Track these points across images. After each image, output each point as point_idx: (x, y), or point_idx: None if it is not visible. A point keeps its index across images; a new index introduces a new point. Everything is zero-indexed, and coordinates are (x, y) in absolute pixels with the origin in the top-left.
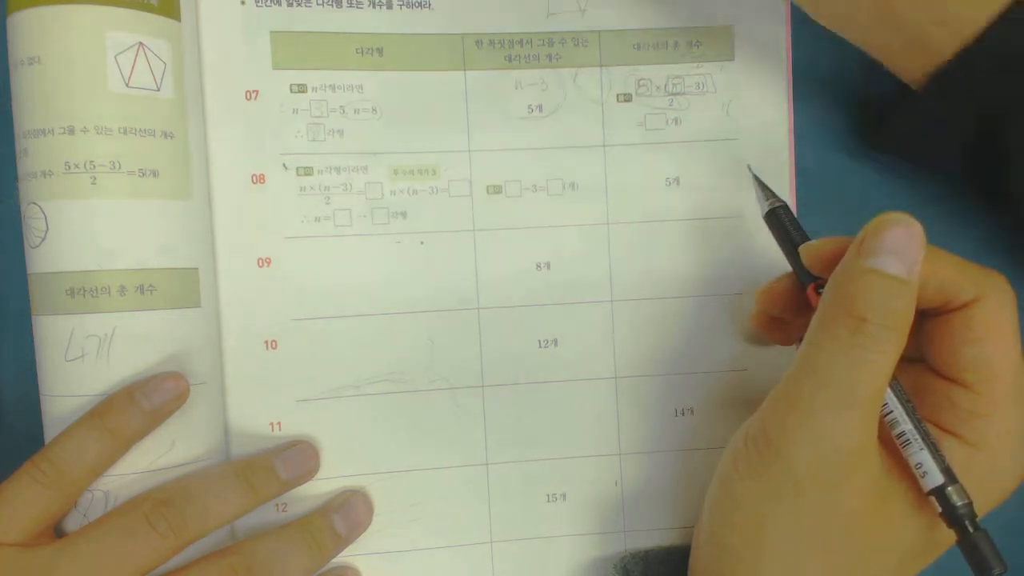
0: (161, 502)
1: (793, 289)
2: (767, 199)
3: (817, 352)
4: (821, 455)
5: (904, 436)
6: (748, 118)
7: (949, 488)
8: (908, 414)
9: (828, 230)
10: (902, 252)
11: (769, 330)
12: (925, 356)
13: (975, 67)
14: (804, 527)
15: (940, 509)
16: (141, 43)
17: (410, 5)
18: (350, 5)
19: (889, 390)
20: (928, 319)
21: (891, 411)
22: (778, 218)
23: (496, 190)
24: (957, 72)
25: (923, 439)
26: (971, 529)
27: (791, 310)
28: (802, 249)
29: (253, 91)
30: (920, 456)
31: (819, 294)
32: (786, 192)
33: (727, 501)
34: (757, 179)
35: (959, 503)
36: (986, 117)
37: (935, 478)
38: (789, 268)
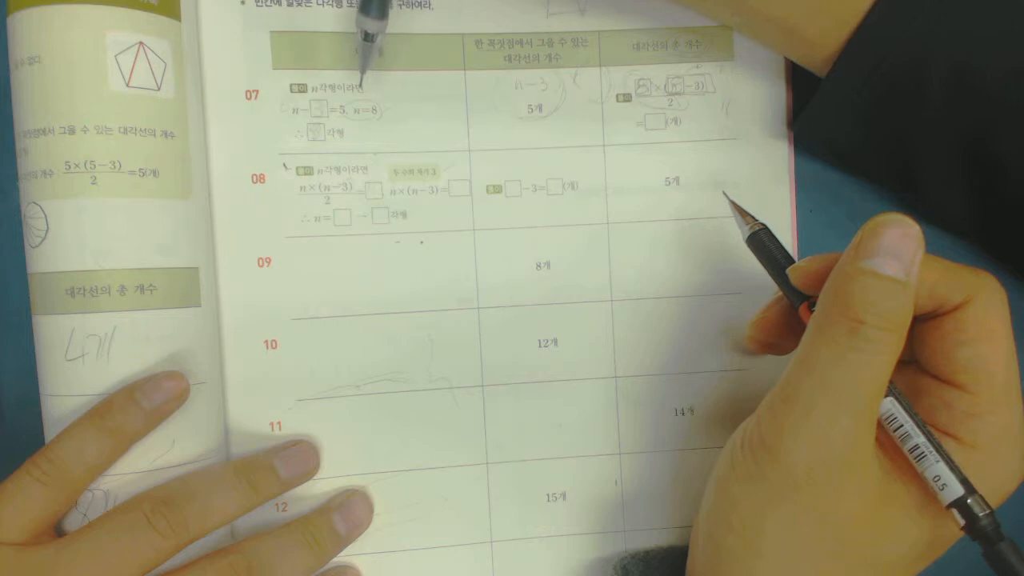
0: (161, 501)
1: (785, 315)
2: (747, 223)
3: (814, 354)
4: (818, 458)
5: (918, 449)
6: (748, 118)
7: (970, 500)
8: (919, 427)
9: (828, 231)
10: (899, 253)
11: (766, 351)
12: (918, 358)
13: (874, 45)
14: (801, 530)
15: (963, 522)
16: (141, 43)
17: (410, 5)
18: (350, 5)
19: (896, 403)
20: (920, 322)
21: (901, 425)
22: (760, 241)
23: (496, 190)
24: (858, 53)
25: (938, 451)
26: (996, 540)
27: (785, 335)
28: (790, 271)
29: (253, 91)
30: (937, 468)
31: (812, 312)
32: (785, 192)
33: (724, 503)
34: (734, 204)
35: (981, 514)
36: (891, 98)
37: (955, 490)
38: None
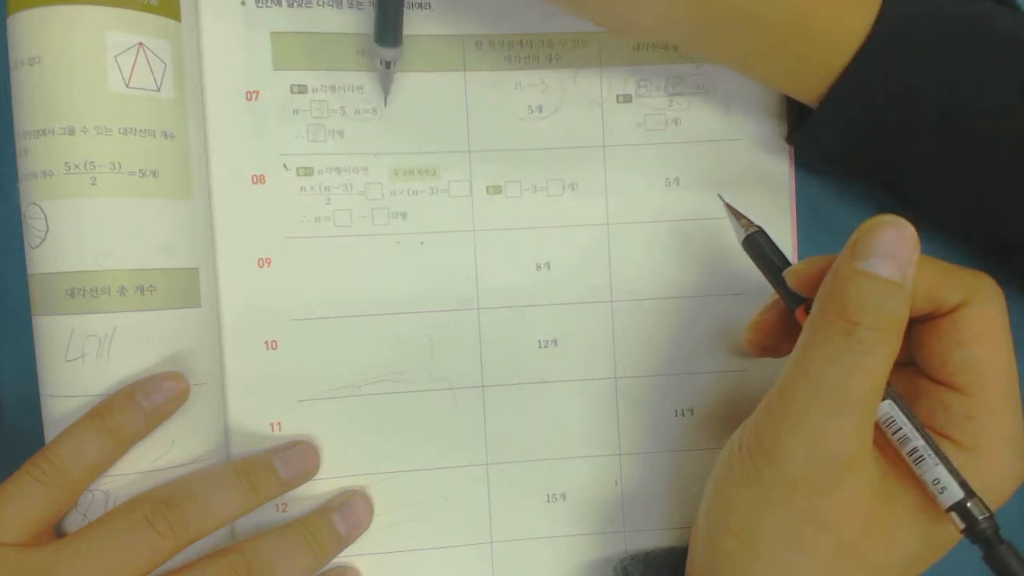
0: (161, 502)
1: (782, 317)
2: (742, 226)
3: (810, 356)
4: (815, 460)
5: (917, 452)
6: (748, 118)
7: (969, 503)
8: (917, 430)
9: (828, 231)
10: (895, 254)
11: (764, 354)
12: (916, 360)
13: (861, 86)
14: (799, 532)
15: (962, 525)
16: (141, 43)
17: (410, 6)
18: (350, 5)
19: (894, 406)
20: (918, 324)
21: (900, 428)
22: (756, 244)
23: (496, 190)
24: (844, 94)
25: (937, 454)
26: (995, 543)
27: (782, 338)
28: (787, 273)
29: (253, 91)
30: (936, 471)
31: (809, 314)
32: (785, 193)
33: (722, 505)
34: (730, 206)
35: (981, 517)
36: (882, 129)
37: (954, 493)
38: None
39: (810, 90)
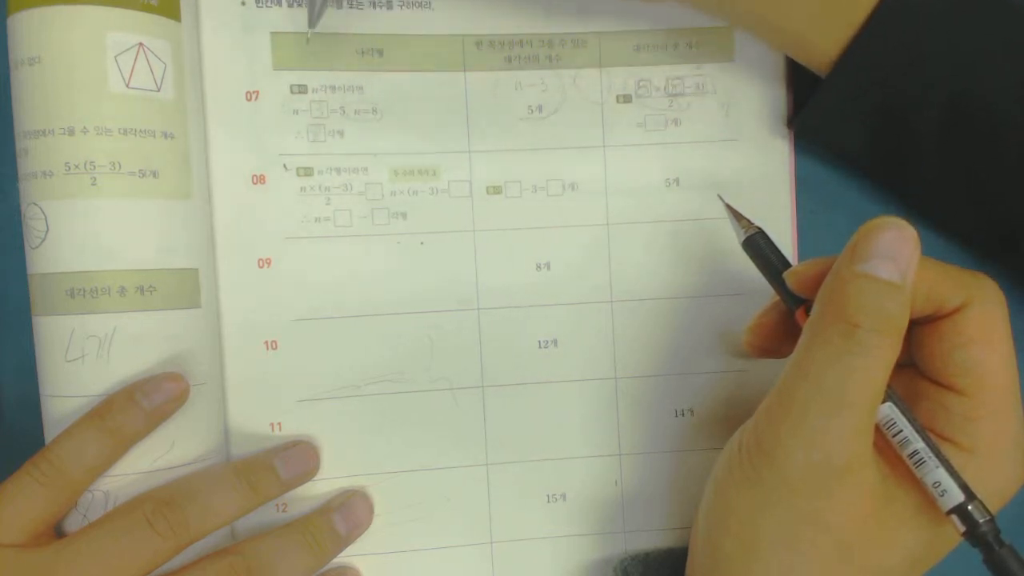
0: (162, 502)
1: (782, 319)
2: (742, 227)
3: (810, 358)
4: (814, 462)
5: (917, 455)
6: (748, 119)
7: (970, 506)
8: (918, 432)
9: (829, 232)
10: (895, 256)
11: (763, 356)
12: (917, 362)
13: (872, 52)
14: (798, 534)
15: (963, 528)
16: (141, 44)
17: (410, 6)
18: (350, 6)
19: (895, 408)
20: (918, 325)
21: (900, 430)
22: (756, 245)
23: (496, 191)
24: (856, 58)
25: (937, 457)
26: (996, 546)
27: (782, 340)
28: (787, 275)
29: (253, 91)
30: (937, 474)
31: (809, 315)
32: (786, 194)
33: (721, 507)
34: (729, 207)
35: (982, 520)
36: (890, 104)
37: (955, 496)
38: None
39: (823, 54)
